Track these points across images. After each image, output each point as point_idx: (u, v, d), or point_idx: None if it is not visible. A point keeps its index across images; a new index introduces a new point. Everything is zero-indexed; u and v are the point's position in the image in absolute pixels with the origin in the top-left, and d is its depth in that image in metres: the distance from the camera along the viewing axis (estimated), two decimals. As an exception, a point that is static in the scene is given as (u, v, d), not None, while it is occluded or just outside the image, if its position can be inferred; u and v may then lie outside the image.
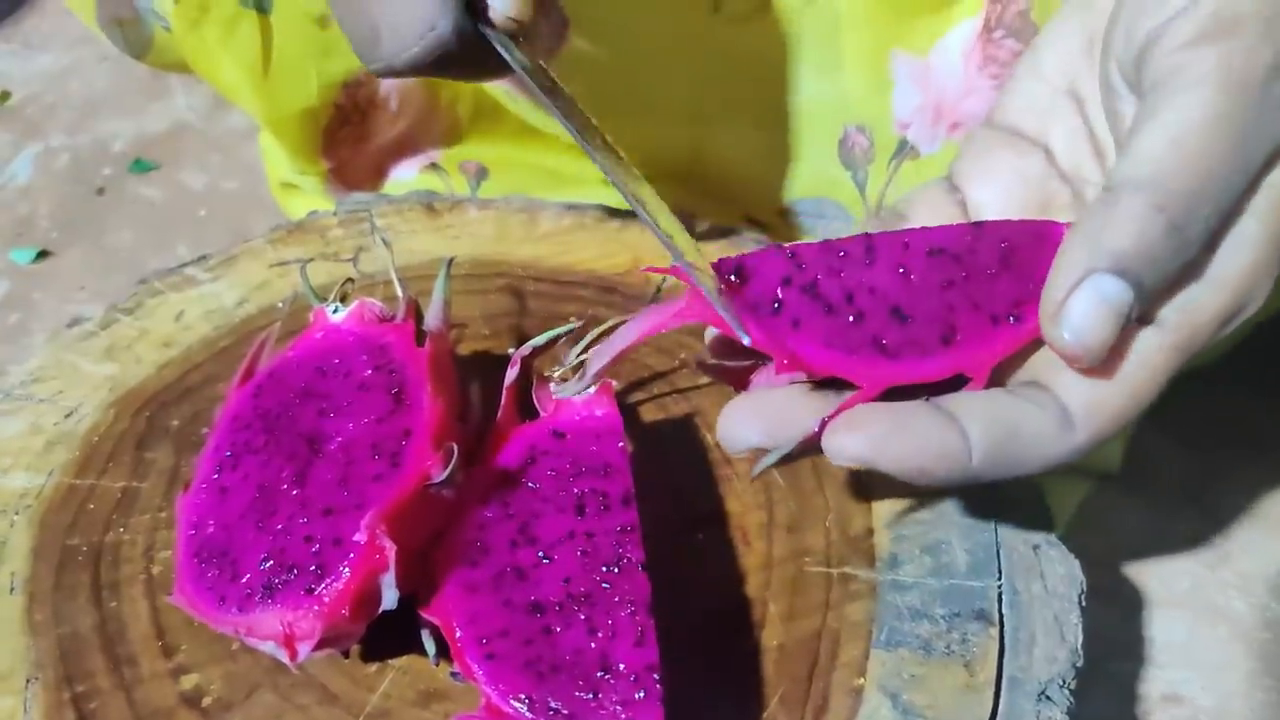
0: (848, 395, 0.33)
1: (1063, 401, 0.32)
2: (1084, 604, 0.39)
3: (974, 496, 0.42)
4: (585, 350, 0.39)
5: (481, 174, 0.68)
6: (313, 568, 0.32)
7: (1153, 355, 0.32)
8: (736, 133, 0.60)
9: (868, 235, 0.34)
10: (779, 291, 0.33)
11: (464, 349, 0.49)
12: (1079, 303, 0.30)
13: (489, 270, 0.53)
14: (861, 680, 0.36)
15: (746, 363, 0.36)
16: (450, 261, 0.42)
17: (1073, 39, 0.37)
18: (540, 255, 0.53)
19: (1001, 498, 0.42)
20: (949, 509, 0.42)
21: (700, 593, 0.39)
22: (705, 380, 0.47)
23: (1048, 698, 0.36)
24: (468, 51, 0.36)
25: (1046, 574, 0.40)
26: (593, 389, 0.38)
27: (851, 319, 0.33)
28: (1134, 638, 0.55)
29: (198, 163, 0.90)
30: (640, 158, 0.62)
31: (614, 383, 0.40)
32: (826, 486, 0.43)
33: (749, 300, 0.33)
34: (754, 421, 0.33)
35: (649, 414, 0.46)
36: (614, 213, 0.56)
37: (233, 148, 0.90)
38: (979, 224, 0.35)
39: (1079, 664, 0.38)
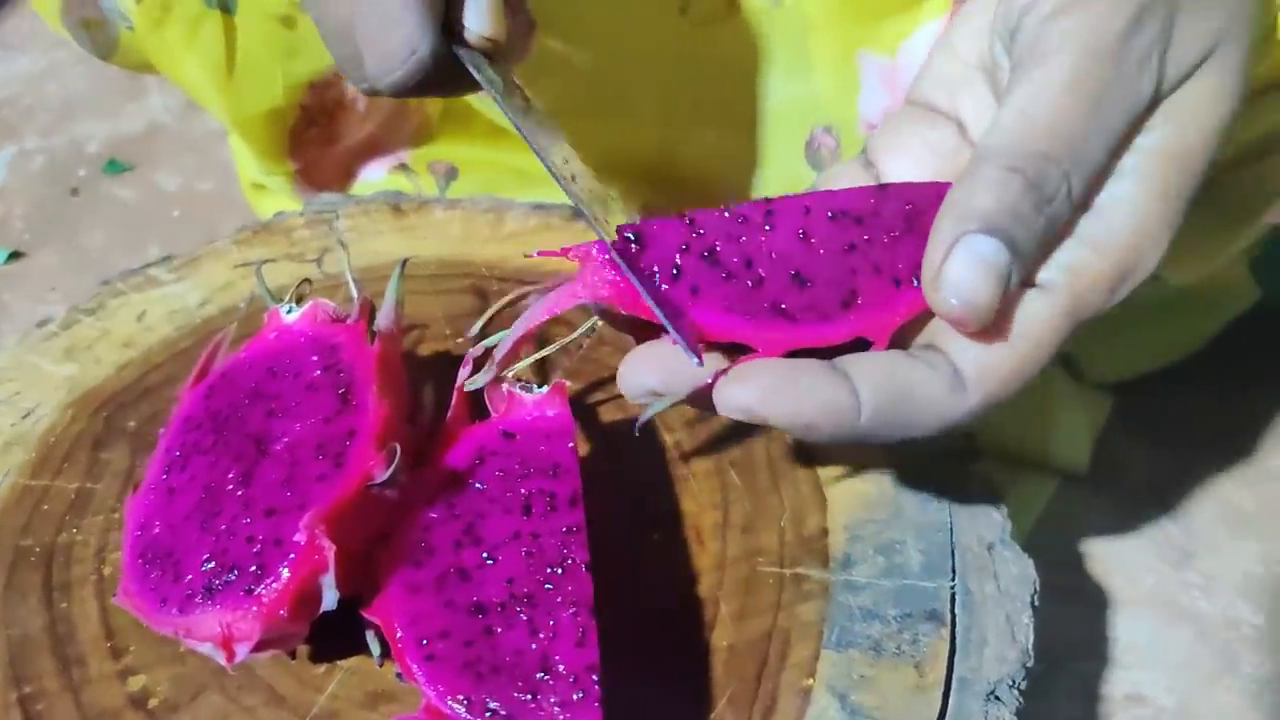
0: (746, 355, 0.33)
1: (955, 364, 0.32)
2: (1036, 604, 0.39)
3: (931, 494, 0.42)
4: (483, 331, 0.38)
5: (451, 174, 0.68)
6: (253, 568, 0.32)
7: (1041, 319, 0.32)
8: (705, 134, 0.60)
9: (768, 200, 0.34)
10: (677, 258, 0.32)
11: (425, 349, 0.49)
12: (956, 264, 0.31)
13: (454, 270, 0.53)
14: (810, 681, 0.36)
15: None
16: (404, 263, 0.42)
17: (983, 16, 0.38)
18: (506, 255, 0.53)
19: (959, 496, 0.42)
20: (905, 509, 0.42)
21: (652, 592, 0.39)
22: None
23: (996, 698, 0.36)
24: (446, 72, 0.37)
25: (1000, 574, 0.40)
26: (494, 375, 0.38)
27: (751, 284, 0.33)
28: (1098, 637, 0.55)
29: (172, 163, 0.90)
30: (610, 159, 0.63)
31: (567, 383, 0.40)
32: (783, 486, 0.43)
33: (646, 267, 0.32)
34: (652, 368, 0.33)
35: (608, 414, 0.46)
36: (580, 213, 0.56)
37: (207, 148, 0.90)
38: (883, 186, 0.35)
39: (1029, 664, 0.38)
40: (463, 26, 0.37)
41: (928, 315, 0.34)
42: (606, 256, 0.32)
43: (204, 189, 0.88)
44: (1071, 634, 0.55)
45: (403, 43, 0.35)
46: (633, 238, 0.32)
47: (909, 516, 0.41)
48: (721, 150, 0.62)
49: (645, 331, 0.34)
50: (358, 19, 0.36)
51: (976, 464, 0.43)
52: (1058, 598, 0.43)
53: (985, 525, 0.41)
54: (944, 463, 0.43)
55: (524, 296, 0.36)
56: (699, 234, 0.33)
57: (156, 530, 0.35)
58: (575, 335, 0.43)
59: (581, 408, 0.46)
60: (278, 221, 0.56)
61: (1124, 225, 0.33)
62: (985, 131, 0.33)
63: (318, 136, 0.63)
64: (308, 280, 0.43)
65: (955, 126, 0.38)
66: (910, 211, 0.34)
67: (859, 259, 0.33)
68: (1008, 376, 0.32)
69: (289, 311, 0.41)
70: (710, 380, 0.31)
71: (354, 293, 0.42)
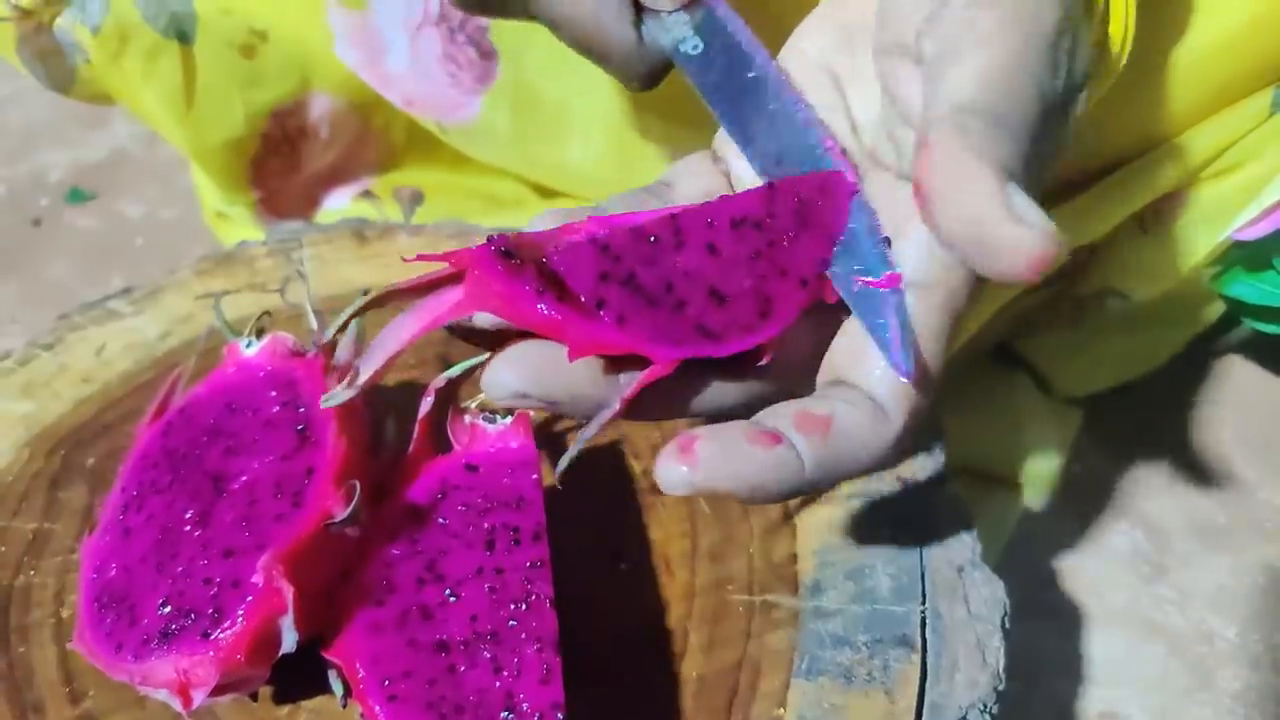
0: (632, 373, 0.31)
1: (869, 393, 0.32)
2: (1007, 626, 0.39)
3: (901, 519, 0.42)
4: (341, 329, 0.33)
5: (417, 199, 0.67)
6: (210, 611, 0.31)
7: (928, 321, 0.32)
8: (669, 160, 0.60)
9: (673, 216, 0.33)
10: (599, 288, 0.31)
11: (388, 379, 0.48)
12: (1019, 201, 0.28)
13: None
14: (781, 711, 0.36)
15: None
16: (366, 293, 0.42)
17: (829, 29, 0.38)
18: (470, 282, 0.53)
19: (928, 520, 0.42)
20: (875, 532, 0.41)
21: (621, 623, 0.39)
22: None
23: (968, 722, 0.36)
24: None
25: (970, 597, 0.40)
26: (357, 390, 0.32)
27: (673, 309, 0.32)
28: (1071, 655, 0.55)
29: (135, 192, 0.89)
30: (576, 184, 0.62)
31: (531, 414, 0.40)
32: (751, 513, 0.42)
33: (563, 290, 0.30)
34: (522, 369, 0.30)
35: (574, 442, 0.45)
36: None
37: (170, 176, 0.89)
38: (771, 185, 0.35)
39: (1001, 687, 0.38)
40: None
41: (812, 324, 0.34)
42: (498, 262, 0.30)
43: (168, 217, 0.87)
44: (1044, 652, 0.55)
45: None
46: (505, 249, 0.30)
47: (877, 541, 0.41)
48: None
49: (502, 344, 0.31)
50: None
51: (945, 486, 0.43)
52: (1030, 615, 0.43)
53: (955, 548, 0.41)
54: (913, 486, 0.43)
55: (395, 295, 0.31)
56: (616, 260, 0.32)
57: (113, 573, 0.34)
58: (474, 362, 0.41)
59: (547, 436, 0.46)
60: (240, 251, 0.55)
61: None
62: (935, 97, 0.31)
63: (280, 165, 0.63)
64: (267, 313, 0.42)
65: None
66: (799, 206, 0.34)
67: (765, 265, 0.33)
68: (919, 388, 0.32)
69: (248, 345, 0.41)
70: (618, 408, 0.30)
71: (313, 325, 0.41)
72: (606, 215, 0.33)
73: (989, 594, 0.40)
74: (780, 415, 0.31)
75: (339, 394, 0.32)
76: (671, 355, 0.31)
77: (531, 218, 0.35)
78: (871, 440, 0.31)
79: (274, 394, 0.38)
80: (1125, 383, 0.63)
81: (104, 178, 0.90)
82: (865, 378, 0.32)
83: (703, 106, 0.58)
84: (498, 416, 0.40)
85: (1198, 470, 0.64)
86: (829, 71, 0.38)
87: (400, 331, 0.31)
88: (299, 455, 0.35)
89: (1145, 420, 0.65)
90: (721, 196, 0.35)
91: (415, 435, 0.39)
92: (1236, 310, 0.58)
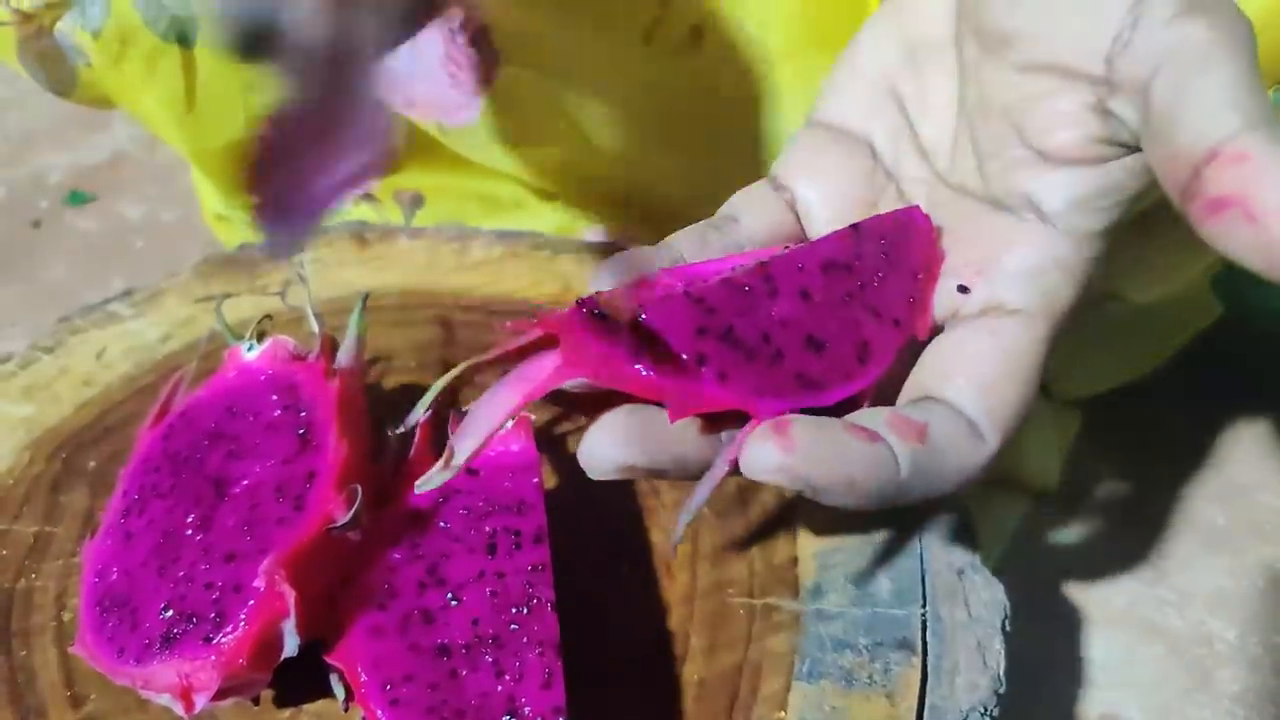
0: (732, 429, 0.31)
1: (962, 411, 0.31)
2: (1008, 629, 0.39)
3: (901, 522, 0.42)
4: (428, 409, 0.32)
5: (417, 202, 0.67)
6: (212, 616, 0.31)
7: (1027, 348, 0.32)
8: (671, 163, 0.60)
9: (762, 264, 0.32)
10: (697, 344, 0.30)
11: (390, 382, 0.48)
12: None
13: (418, 301, 0.52)
14: (782, 714, 0.36)
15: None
16: (365, 297, 0.42)
17: (889, 43, 0.37)
18: (471, 285, 0.53)
19: (928, 522, 0.42)
20: (874, 535, 0.41)
21: (621, 627, 0.39)
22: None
23: (969, 726, 0.36)
24: None
25: (970, 600, 0.40)
26: (452, 474, 0.31)
27: (770, 360, 0.31)
28: (1071, 657, 0.55)
29: (136, 193, 0.89)
30: (577, 188, 0.62)
31: (532, 417, 0.40)
32: (752, 514, 0.42)
33: (658, 350, 0.29)
34: (622, 439, 0.29)
35: (575, 445, 0.45)
36: (545, 241, 0.56)
37: (171, 177, 0.89)
38: (855, 226, 0.34)
39: (1001, 690, 0.38)
40: None
41: (896, 363, 0.34)
42: (592, 325, 0.29)
43: (168, 219, 0.87)
44: (1044, 654, 0.55)
45: None
46: (598, 311, 0.29)
47: (878, 544, 0.41)
48: (690, 178, 0.61)
49: (601, 406, 0.30)
50: None
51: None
52: (1030, 617, 0.43)
53: (955, 551, 0.41)
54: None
55: (478, 367, 0.30)
56: (711, 313, 0.30)
57: (114, 576, 0.34)
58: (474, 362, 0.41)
59: (549, 438, 0.46)
60: (241, 254, 0.55)
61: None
62: (1186, 125, 0.28)
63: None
64: (268, 316, 0.42)
65: (868, 148, 0.38)
66: (885, 247, 0.34)
67: (858, 308, 0.33)
68: (1014, 413, 0.32)
69: (249, 349, 0.41)
70: (727, 467, 0.29)
71: (314, 328, 0.41)
72: (680, 267, 0.33)
73: (989, 597, 0.40)
74: (874, 418, 0.30)
75: (435, 476, 0.31)
76: (775, 409, 0.30)
77: (592, 271, 0.33)
78: (967, 455, 0.31)
79: (275, 398, 0.38)
80: (1125, 385, 0.63)
81: (104, 180, 0.90)
82: (957, 395, 0.31)
83: (704, 106, 0.58)
84: (499, 420, 0.40)
85: (1197, 473, 0.64)
86: (892, 93, 0.37)
87: (498, 404, 0.30)
88: (300, 459, 0.35)
89: (1145, 422, 0.65)
90: (807, 242, 0.35)
91: (416, 439, 0.39)
92: (1236, 312, 0.59)
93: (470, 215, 0.66)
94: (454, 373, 0.31)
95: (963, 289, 0.34)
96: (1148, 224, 0.58)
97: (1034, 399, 0.32)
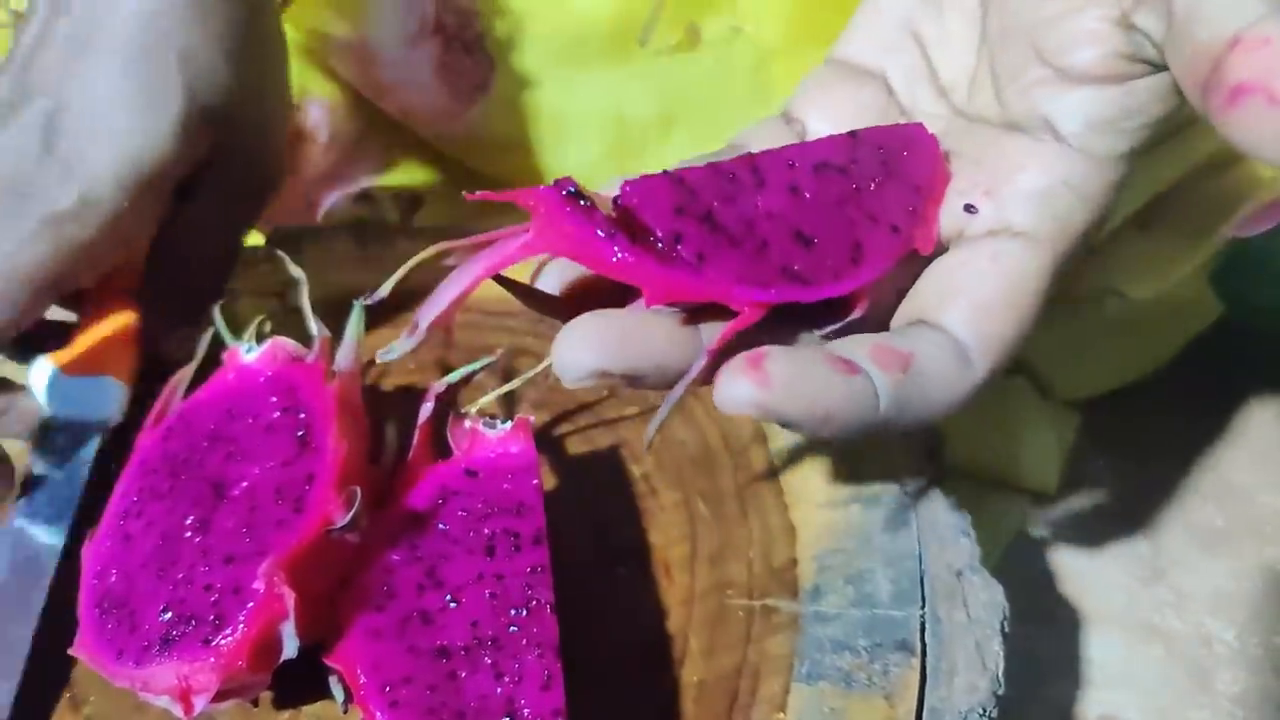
0: (713, 324, 0.29)
1: (954, 336, 0.30)
2: (1006, 630, 0.39)
3: (900, 523, 0.42)
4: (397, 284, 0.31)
5: (415, 202, 0.67)
6: (211, 618, 0.31)
7: (1030, 274, 0.31)
8: (666, 164, 0.60)
9: (750, 156, 0.31)
10: (675, 223, 0.28)
11: (388, 383, 0.48)
12: None
13: (416, 302, 0.52)
14: (781, 715, 0.36)
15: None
16: (365, 299, 0.42)
17: None
18: (469, 286, 0.53)
19: (927, 523, 0.42)
20: (874, 537, 0.41)
21: (621, 629, 0.39)
22: (631, 410, 0.46)
23: (968, 728, 0.36)
24: None
25: (969, 601, 0.40)
26: (417, 341, 0.31)
27: (756, 249, 0.29)
28: (1070, 658, 0.55)
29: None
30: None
31: (531, 419, 0.40)
32: (751, 515, 0.42)
33: (636, 231, 0.28)
34: (602, 342, 0.28)
35: (574, 446, 0.46)
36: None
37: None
38: (854, 133, 0.33)
39: (1000, 691, 0.38)
40: None
41: (896, 277, 0.32)
42: (567, 202, 0.27)
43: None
44: (1043, 655, 0.55)
45: None
46: (574, 190, 0.28)
47: (878, 545, 0.41)
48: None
49: (576, 310, 0.29)
50: None
51: (944, 489, 0.43)
52: (1029, 619, 0.43)
53: (954, 552, 0.41)
54: (911, 488, 0.43)
55: (447, 253, 0.29)
56: (692, 195, 0.29)
57: (113, 578, 0.34)
58: (540, 368, 0.43)
59: (548, 440, 0.46)
60: (241, 255, 0.55)
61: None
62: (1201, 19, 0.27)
63: (280, 169, 0.63)
64: (266, 318, 0.42)
65: (883, 85, 0.37)
66: (884, 156, 0.33)
67: (853, 210, 0.31)
68: (1008, 341, 0.31)
69: (248, 350, 0.41)
70: (705, 363, 0.28)
71: (313, 330, 0.41)
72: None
73: (988, 598, 0.40)
74: (856, 347, 0.29)
75: (399, 346, 0.31)
76: (758, 298, 0.28)
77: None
78: (953, 384, 0.30)
79: (274, 399, 0.38)
80: (1124, 385, 0.63)
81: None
82: (950, 320, 0.31)
83: (702, 109, 0.59)
84: (498, 421, 0.40)
85: (1195, 473, 0.64)
86: (911, 32, 0.36)
87: (464, 276, 0.29)
88: (299, 461, 0.35)
89: (1143, 423, 0.65)
90: (802, 142, 0.33)
91: (415, 441, 0.39)
92: (1234, 310, 0.59)
93: (467, 216, 0.66)
94: (424, 255, 0.29)
95: (969, 208, 0.33)
96: (1147, 219, 0.58)
97: (1031, 329, 0.31)
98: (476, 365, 0.42)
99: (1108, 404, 0.64)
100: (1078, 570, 0.59)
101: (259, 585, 0.31)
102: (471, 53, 0.57)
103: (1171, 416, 0.66)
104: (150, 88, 0.40)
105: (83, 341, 0.43)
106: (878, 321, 0.32)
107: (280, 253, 0.46)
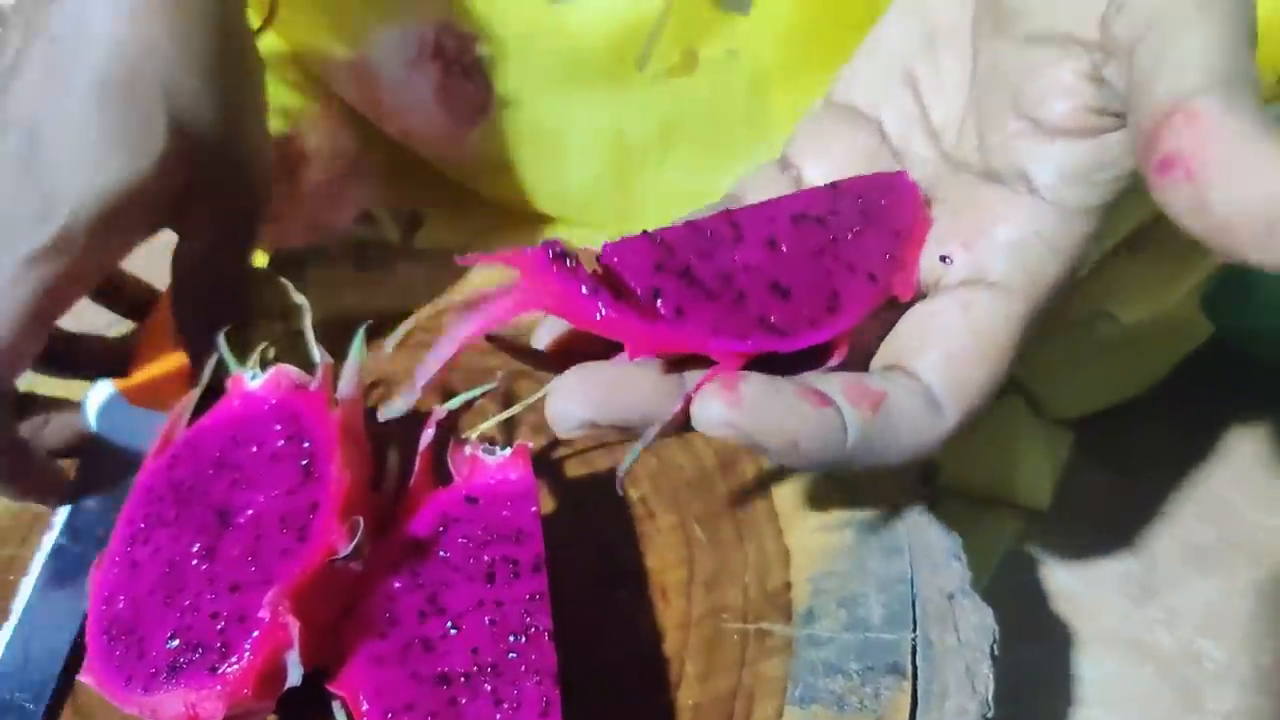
0: (695, 372, 0.31)
1: (926, 383, 0.31)
2: (996, 653, 0.40)
3: (892, 545, 0.42)
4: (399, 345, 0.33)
5: (416, 223, 0.68)
6: (217, 645, 0.32)
7: (1002, 325, 0.32)
8: (665, 186, 0.61)
9: (729, 212, 0.32)
10: (654, 279, 0.30)
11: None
12: None
13: (418, 325, 0.53)
14: (774, 738, 0.37)
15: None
16: (367, 326, 0.42)
17: (909, 27, 0.37)
18: (469, 308, 0.54)
19: (919, 546, 0.42)
20: (868, 560, 0.42)
21: (618, 652, 0.40)
22: (629, 434, 0.47)
23: (958, 751, 0.37)
24: None
25: (960, 624, 0.41)
26: (416, 399, 0.33)
27: (733, 301, 0.30)
28: (1061, 675, 0.56)
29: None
30: (573, 206, 0.63)
31: (530, 445, 0.40)
32: (747, 540, 0.43)
33: (619, 288, 0.30)
34: (589, 395, 0.29)
35: (573, 469, 0.46)
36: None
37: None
38: (834, 184, 0.34)
39: (989, 715, 0.38)
40: None
41: (879, 323, 0.33)
42: (553, 263, 0.29)
43: (168, 240, 0.87)
44: (1034, 673, 0.56)
45: None
46: (560, 251, 0.29)
47: (871, 568, 0.42)
48: (681, 201, 0.62)
49: (566, 363, 0.31)
50: None
51: (936, 510, 0.44)
52: (1021, 637, 0.43)
53: (946, 575, 0.42)
54: (904, 512, 0.43)
55: (449, 312, 0.31)
56: (670, 252, 0.30)
57: (120, 605, 0.35)
58: (540, 394, 0.43)
59: (547, 462, 0.46)
60: (242, 278, 0.56)
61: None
62: (1163, 80, 0.28)
63: (281, 192, 0.64)
64: (270, 344, 0.43)
65: (877, 129, 0.38)
66: (863, 205, 0.34)
67: (830, 260, 0.32)
68: (980, 390, 0.31)
69: (253, 377, 0.41)
70: (680, 408, 0.29)
71: (315, 357, 0.42)
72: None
73: (978, 621, 0.41)
74: (830, 382, 0.30)
75: (397, 406, 0.33)
76: (735, 348, 0.30)
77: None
78: (921, 429, 0.31)
79: (279, 428, 0.39)
80: (1116, 404, 0.64)
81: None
82: (923, 367, 0.31)
83: (700, 132, 0.59)
84: (497, 448, 0.40)
85: (1187, 492, 0.64)
86: (907, 75, 0.37)
87: (456, 334, 0.30)
88: (303, 490, 0.36)
89: (1135, 442, 0.66)
90: (781, 196, 0.34)
91: (417, 467, 0.40)
92: (1225, 332, 0.59)
93: (468, 236, 0.67)
94: (413, 322, 0.31)
95: (944, 259, 0.33)
96: (1137, 243, 0.59)
97: (1004, 377, 0.32)
98: (477, 391, 0.43)
99: (1100, 422, 0.64)
100: (1069, 587, 0.60)
101: (264, 614, 0.32)
102: (471, 76, 0.58)
103: (1164, 434, 0.66)
104: (127, 118, 0.40)
105: (144, 373, 0.44)
106: (858, 367, 0.33)
107: (283, 280, 0.47)
